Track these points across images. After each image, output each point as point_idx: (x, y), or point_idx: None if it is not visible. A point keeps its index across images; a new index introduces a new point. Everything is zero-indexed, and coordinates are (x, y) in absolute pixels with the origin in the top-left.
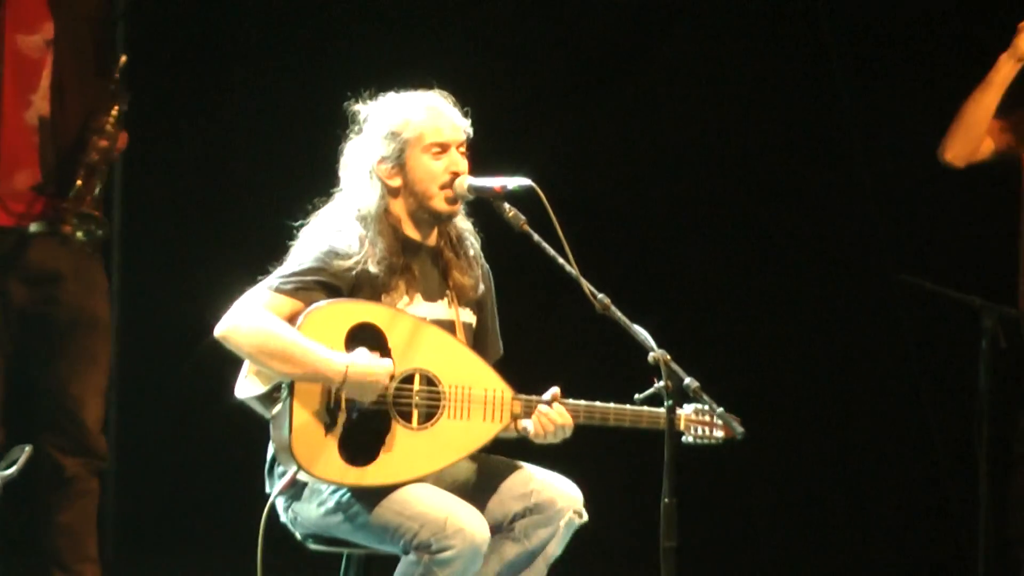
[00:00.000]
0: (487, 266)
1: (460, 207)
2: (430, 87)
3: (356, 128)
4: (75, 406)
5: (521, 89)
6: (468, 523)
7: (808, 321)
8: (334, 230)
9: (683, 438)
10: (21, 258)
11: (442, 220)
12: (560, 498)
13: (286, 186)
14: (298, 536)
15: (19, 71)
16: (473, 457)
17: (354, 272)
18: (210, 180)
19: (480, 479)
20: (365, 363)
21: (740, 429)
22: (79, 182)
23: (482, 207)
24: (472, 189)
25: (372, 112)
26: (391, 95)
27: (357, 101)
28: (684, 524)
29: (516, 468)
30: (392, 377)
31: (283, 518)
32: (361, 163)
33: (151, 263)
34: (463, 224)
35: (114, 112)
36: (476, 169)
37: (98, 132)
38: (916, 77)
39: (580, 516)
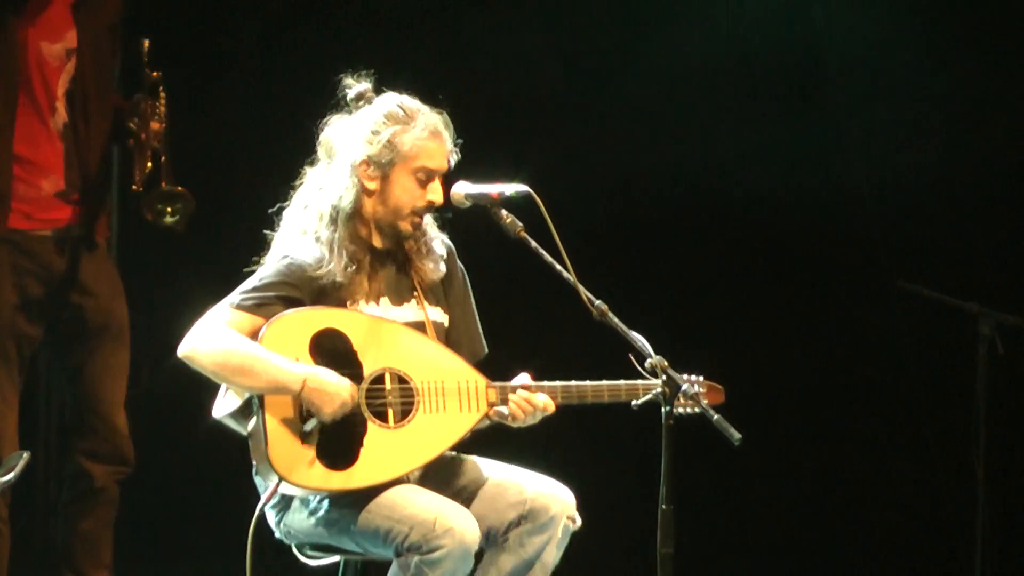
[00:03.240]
0: (462, 266)
1: (421, 231)
2: (436, 102)
3: (354, 104)
4: (109, 411)
5: (519, 94)
6: (457, 523)
7: (806, 327)
8: (297, 239)
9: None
10: (45, 264)
11: (402, 238)
12: (554, 504)
13: (282, 189)
14: (294, 548)
15: (43, 78)
16: (464, 462)
17: (319, 281)
18: (206, 183)
19: (472, 484)
20: (325, 375)
21: (737, 435)
22: (148, 166)
23: (479, 213)
24: (469, 196)
25: (375, 104)
26: (399, 96)
27: (354, 76)
28: (681, 530)
29: (508, 474)
30: (352, 396)
31: (277, 534)
32: (347, 153)
33: (144, 268)
34: (424, 226)
35: (163, 98)
36: (474, 175)
37: (152, 118)
38: (915, 82)
39: (574, 522)
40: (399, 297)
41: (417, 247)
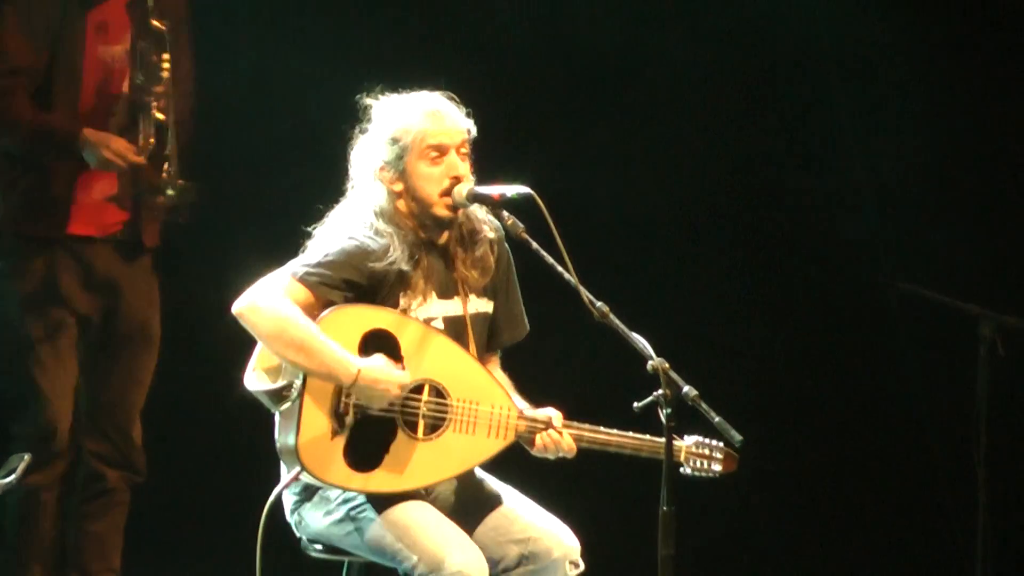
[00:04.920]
0: (507, 248)
1: (462, 213)
2: (435, 87)
3: (366, 123)
4: (126, 422)
5: (520, 95)
6: (466, 564)
7: (806, 329)
8: (364, 228)
9: (681, 469)
10: (89, 266)
11: (444, 226)
12: (557, 548)
13: (294, 185)
14: (301, 539)
15: (102, 81)
16: (483, 484)
17: (385, 272)
18: (215, 180)
19: (484, 509)
20: (379, 368)
21: (738, 437)
22: (152, 141)
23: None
24: (471, 197)
25: (376, 113)
26: (394, 97)
27: (368, 95)
28: (681, 532)
29: (517, 507)
30: (403, 388)
31: (289, 518)
32: (366, 166)
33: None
34: (474, 213)
35: (166, 58)
36: (475, 176)
37: (157, 79)
38: (914, 81)
39: (577, 566)
40: (446, 291)
41: (463, 249)
